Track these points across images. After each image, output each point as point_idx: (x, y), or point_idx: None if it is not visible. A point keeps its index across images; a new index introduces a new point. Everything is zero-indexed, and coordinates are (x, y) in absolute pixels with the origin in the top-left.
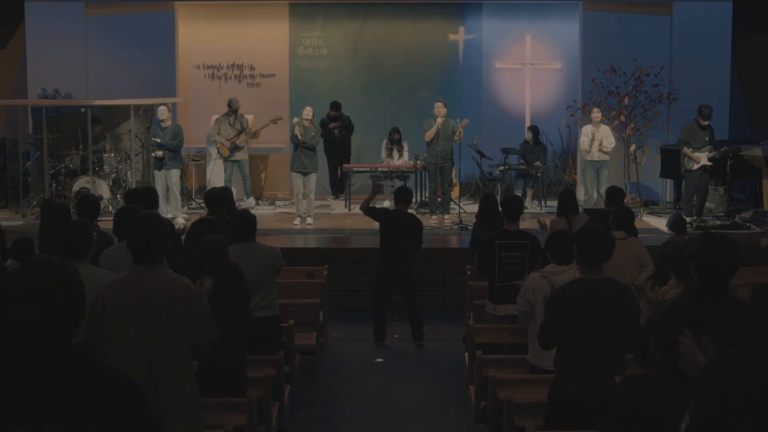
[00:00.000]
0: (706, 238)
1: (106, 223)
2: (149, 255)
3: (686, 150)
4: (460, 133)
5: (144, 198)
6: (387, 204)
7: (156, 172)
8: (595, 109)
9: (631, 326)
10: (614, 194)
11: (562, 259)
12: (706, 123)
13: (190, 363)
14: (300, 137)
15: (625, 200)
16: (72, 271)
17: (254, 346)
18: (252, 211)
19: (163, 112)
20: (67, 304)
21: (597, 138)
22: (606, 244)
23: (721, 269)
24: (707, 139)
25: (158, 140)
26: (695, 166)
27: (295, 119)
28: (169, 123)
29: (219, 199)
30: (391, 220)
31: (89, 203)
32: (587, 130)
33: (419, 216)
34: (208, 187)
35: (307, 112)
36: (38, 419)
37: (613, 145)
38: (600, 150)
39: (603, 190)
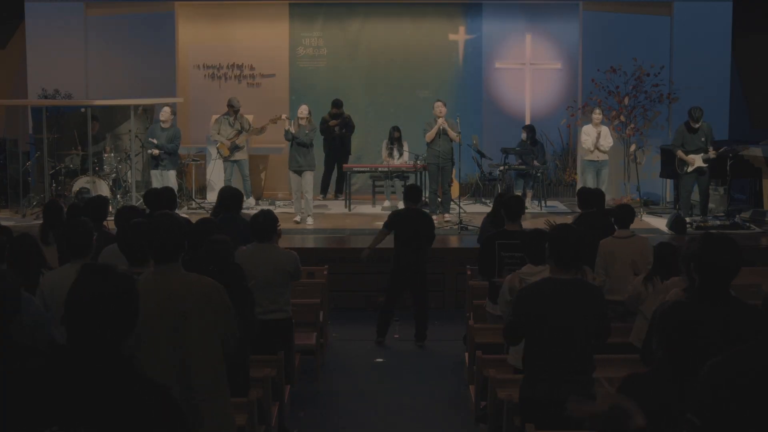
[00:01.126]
0: (707, 238)
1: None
2: (170, 253)
3: (680, 153)
4: (454, 134)
5: (164, 199)
6: (387, 204)
7: (153, 171)
8: (597, 110)
9: (598, 327)
10: (591, 196)
11: (538, 260)
12: (697, 125)
13: (222, 360)
14: (293, 132)
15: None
16: (131, 280)
17: (265, 348)
18: (251, 212)
19: (165, 113)
20: (123, 311)
21: (599, 137)
22: (579, 245)
23: (722, 269)
24: (703, 139)
25: (155, 141)
26: (689, 169)
27: (284, 115)
28: (169, 125)
29: (234, 198)
30: (404, 219)
31: (98, 204)
32: (589, 129)
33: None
34: (208, 188)
35: (303, 110)
36: (73, 422)
37: (611, 144)
38: (598, 149)
39: (604, 190)
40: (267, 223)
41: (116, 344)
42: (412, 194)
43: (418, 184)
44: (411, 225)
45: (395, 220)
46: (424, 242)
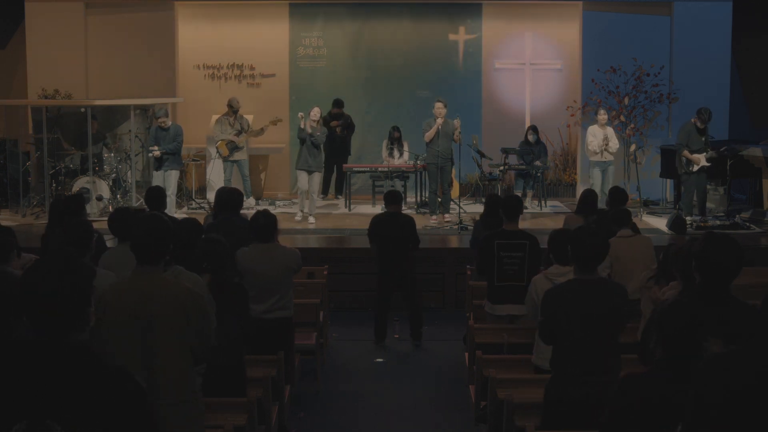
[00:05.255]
0: (709, 238)
1: (103, 223)
2: (151, 256)
3: (686, 153)
4: (457, 133)
5: (151, 197)
6: None
7: (155, 172)
8: (602, 111)
9: (624, 327)
10: (618, 194)
11: (565, 260)
12: (704, 126)
13: (190, 366)
14: (310, 131)
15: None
16: (81, 265)
17: (265, 347)
18: (252, 212)
19: (165, 123)
20: (72, 296)
21: (606, 139)
22: (601, 246)
23: (724, 269)
24: (703, 139)
25: (155, 147)
26: (695, 168)
27: (300, 114)
28: (169, 125)
29: (231, 198)
30: (384, 225)
31: (74, 203)
32: (594, 131)
33: (413, 215)
34: (208, 188)
35: (315, 112)
36: (40, 415)
37: (618, 146)
38: (606, 151)
39: (606, 190)
40: (267, 222)
41: (67, 330)
42: (389, 198)
43: (418, 184)
44: (391, 229)
45: (375, 229)
46: (407, 245)
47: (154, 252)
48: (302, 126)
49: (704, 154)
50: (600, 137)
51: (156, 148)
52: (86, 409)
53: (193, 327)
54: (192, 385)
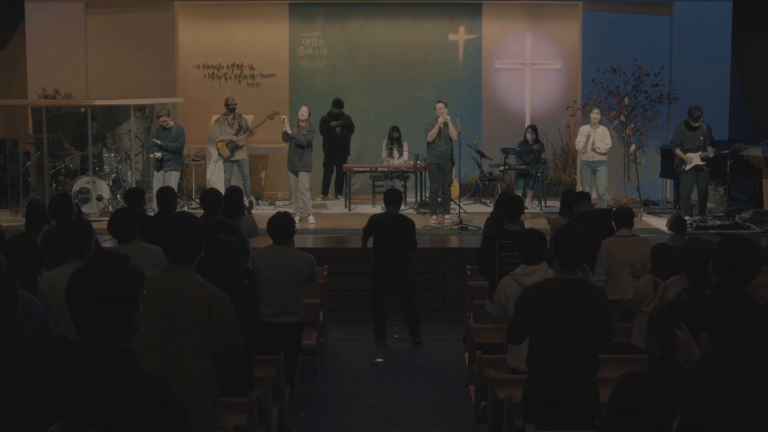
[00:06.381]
0: (727, 240)
1: (102, 223)
2: (183, 256)
3: (678, 151)
4: (450, 125)
5: (133, 197)
6: None
7: (155, 173)
8: (595, 110)
9: (601, 328)
10: (567, 196)
11: (532, 260)
12: (697, 124)
13: (207, 367)
14: (291, 134)
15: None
16: (130, 270)
17: (272, 350)
18: (253, 212)
19: (167, 122)
20: (116, 303)
21: (591, 138)
22: (583, 246)
23: (741, 270)
24: (702, 138)
25: (158, 142)
26: (687, 167)
27: (283, 117)
28: (171, 124)
29: (215, 201)
30: (383, 222)
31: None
32: (584, 130)
33: (413, 215)
34: (208, 188)
35: (303, 112)
36: (77, 417)
37: (609, 146)
38: (593, 150)
39: (601, 190)
40: (284, 224)
41: (110, 336)
42: (391, 198)
43: (418, 184)
44: (388, 229)
45: (374, 224)
46: (403, 247)
47: (187, 252)
48: (284, 129)
49: (698, 153)
50: (586, 136)
51: (158, 141)
52: (122, 418)
53: (218, 330)
54: (207, 388)
